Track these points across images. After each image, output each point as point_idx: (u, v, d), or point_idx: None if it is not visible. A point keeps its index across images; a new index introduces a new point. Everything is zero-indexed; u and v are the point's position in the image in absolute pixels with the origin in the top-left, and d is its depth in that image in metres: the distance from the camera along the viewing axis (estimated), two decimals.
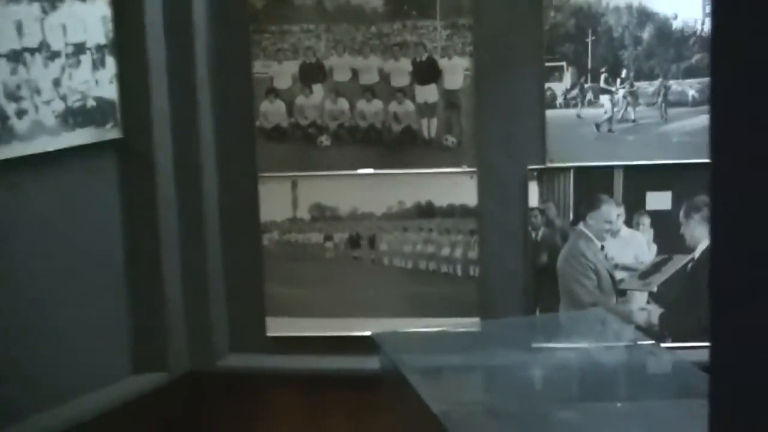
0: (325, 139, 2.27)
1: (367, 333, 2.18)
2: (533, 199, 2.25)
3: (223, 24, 2.25)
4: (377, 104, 2.26)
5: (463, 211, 2.27)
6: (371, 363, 1.85)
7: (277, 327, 2.30)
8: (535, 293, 2.28)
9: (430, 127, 2.26)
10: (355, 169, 2.28)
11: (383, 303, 2.32)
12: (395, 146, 2.26)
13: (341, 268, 2.32)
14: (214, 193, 2.27)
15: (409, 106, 2.26)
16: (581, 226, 2.26)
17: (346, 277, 2.32)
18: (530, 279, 2.28)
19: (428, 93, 2.25)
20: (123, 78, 2.13)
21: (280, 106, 2.28)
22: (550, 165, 2.24)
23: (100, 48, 2.07)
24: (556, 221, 2.25)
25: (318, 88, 2.27)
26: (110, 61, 2.10)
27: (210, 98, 2.23)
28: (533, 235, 2.27)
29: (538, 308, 2.32)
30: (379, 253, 2.32)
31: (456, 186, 2.26)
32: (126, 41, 2.13)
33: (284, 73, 2.26)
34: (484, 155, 2.26)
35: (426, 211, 2.28)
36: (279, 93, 2.27)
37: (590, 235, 2.26)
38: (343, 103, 2.27)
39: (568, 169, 2.25)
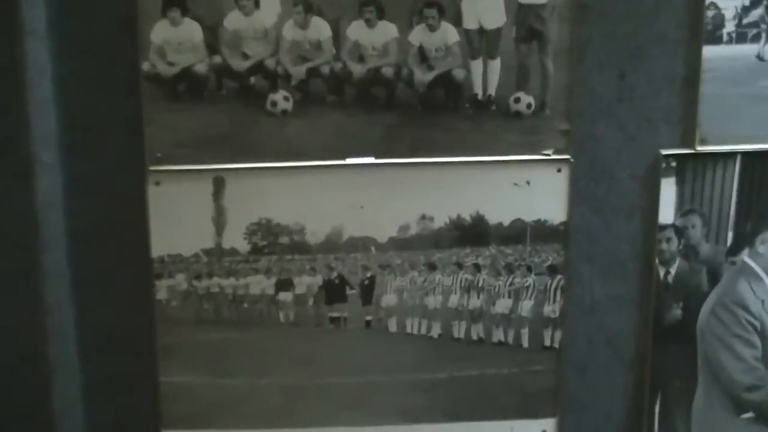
0: (281, 99, 1.93)
1: None
2: (666, 211, 2.01)
3: None
4: (386, 30, 1.91)
5: (539, 233, 2.01)
6: None
7: None
8: (655, 373, 2.09)
9: (486, 77, 1.95)
10: (341, 157, 1.95)
11: (389, 401, 2.06)
12: (419, 112, 1.94)
13: (309, 339, 2.06)
14: (57, 202, 1.91)
15: (450, 34, 1.92)
16: (744, 255, 2.07)
17: (318, 356, 2.05)
18: (649, 349, 2.08)
19: (486, 10, 1.91)
20: None
21: (191, 30, 1.88)
22: (701, 149, 1.98)
23: None
24: (701, 248, 2.05)
25: None
26: None
27: (45, 16, 1.81)
28: (661, 272, 2.04)
29: (658, 397, 2.13)
30: (381, 310, 2.06)
31: (529, 188, 1.98)
32: None
33: None
34: (585, 131, 1.98)
35: (471, 233, 2.02)
36: (189, 5, 1.87)
37: (759, 270, 2.07)
38: (320, 27, 1.90)
39: (731, 155, 2.01)
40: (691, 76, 1.95)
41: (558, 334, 2.06)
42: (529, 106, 1.93)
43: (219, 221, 1.94)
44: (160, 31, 1.84)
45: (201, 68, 1.86)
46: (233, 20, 1.86)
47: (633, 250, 2.05)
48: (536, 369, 2.08)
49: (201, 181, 1.91)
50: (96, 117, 1.87)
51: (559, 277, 2.04)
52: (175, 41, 1.85)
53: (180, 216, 1.93)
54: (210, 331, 2.02)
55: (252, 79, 1.89)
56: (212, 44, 1.86)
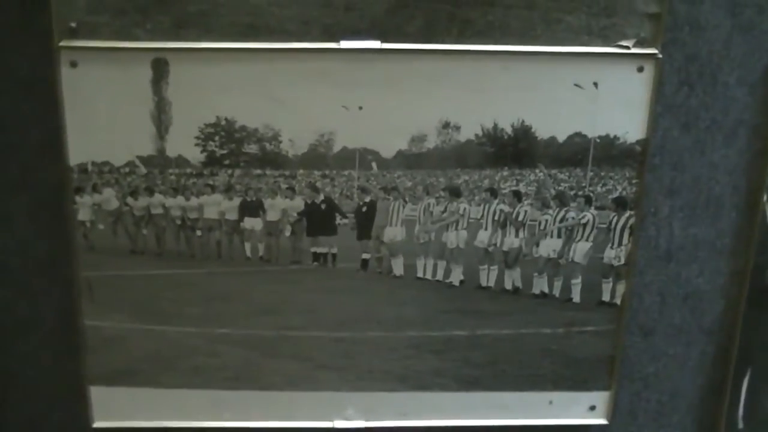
0: None
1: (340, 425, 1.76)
2: None
3: None
4: None
5: (606, 154, 1.55)
6: None
7: (117, 408, 1.66)
8: (745, 342, 1.68)
9: None
10: (333, 38, 1.46)
11: (384, 362, 1.65)
12: None
13: (284, 281, 1.64)
14: None
15: None
16: None
17: (294, 303, 1.63)
18: (740, 310, 1.67)
19: None
20: None
21: None
22: None
23: None
24: None
25: None
26: None
27: None
28: None
29: (747, 373, 1.87)
30: (383, 246, 1.65)
31: (597, 92, 1.51)
32: None
33: None
34: (681, 14, 1.50)
35: (512, 149, 1.55)
36: None
37: None
38: None
39: None
40: None
41: (621, 287, 1.63)
42: None
43: (161, 119, 1.48)
44: None
45: None
46: None
47: (732, 180, 1.61)
48: (588, 330, 1.67)
49: (135, 63, 1.44)
50: None
51: (628, 213, 1.59)
52: None
53: (107, 111, 1.46)
54: (149, 265, 1.59)
55: None
56: None
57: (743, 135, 1.53)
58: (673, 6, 1.45)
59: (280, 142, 1.50)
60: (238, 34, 1.41)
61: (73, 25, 1.39)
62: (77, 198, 1.52)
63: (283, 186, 1.55)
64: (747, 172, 1.55)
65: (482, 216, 1.59)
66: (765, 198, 1.56)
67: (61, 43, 1.41)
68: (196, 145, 1.50)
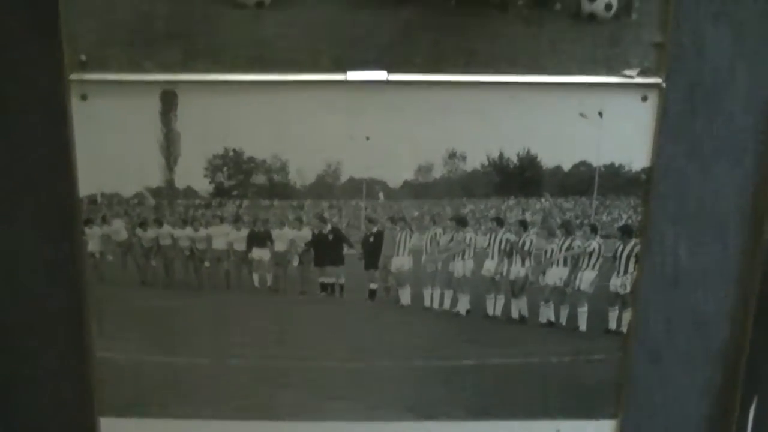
0: None
1: None
2: None
3: None
4: None
5: (611, 182, 1.56)
6: None
7: None
8: (753, 367, 1.67)
9: None
10: (340, 69, 1.47)
11: (393, 392, 1.65)
12: (452, 9, 1.45)
13: (292, 311, 1.64)
14: None
15: None
16: None
17: (302, 333, 1.63)
18: (747, 336, 1.67)
19: None
20: None
21: None
22: None
23: None
24: None
25: None
26: None
27: None
28: None
29: (755, 399, 1.85)
30: (390, 276, 1.65)
31: (601, 122, 1.52)
32: None
33: None
34: (685, 42, 1.51)
35: (518, 179, 1.56)
36: None
37: None
38: None
39: None
40: None
41: (627, 315, 1.64)
42: (608, 7, 1.46)
43: (170, 151, 1.50)
44: None
45: None
46: None
47: (737, 206, 1.61)
48: (595, 358, 1.67)
49: (144, 95, 1.46)
50: None
51: (634, 241, 1.59)
52: None
53: (117, 142, 1.48)
54: (159, 296, 1.61)
55: None
56: None
57: (748, 162, 1.54)
58: (677, 35, 1.46)
59: (288, 172, 1.52)
60: (245, 65, 1.42)
61: (83, 58, 1.41)
62: (87, 229, 1.53)
63: (291, 216, 1.56)
64: (752, 199, 1.56)
65: (489, 245, 1.60)
66: None
67: (72, 76, 1.42)
68: (205, 176, 1.52)
